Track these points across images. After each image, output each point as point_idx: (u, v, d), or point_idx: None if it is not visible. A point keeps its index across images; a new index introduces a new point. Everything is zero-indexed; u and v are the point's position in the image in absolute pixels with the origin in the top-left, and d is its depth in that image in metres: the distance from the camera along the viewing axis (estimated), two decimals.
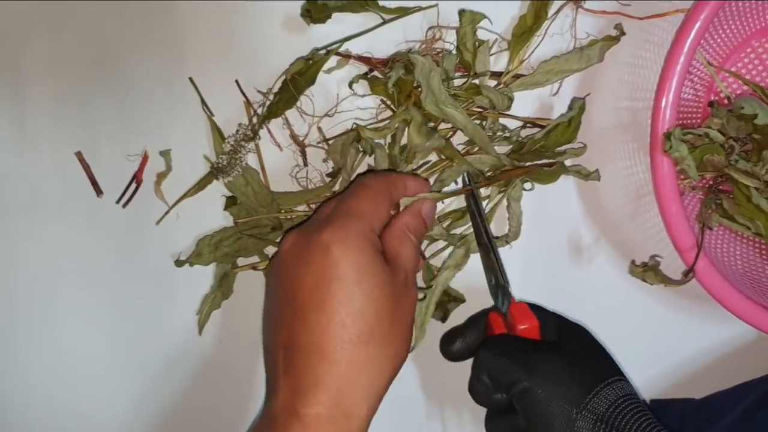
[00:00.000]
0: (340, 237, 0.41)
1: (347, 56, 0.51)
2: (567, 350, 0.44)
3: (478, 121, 0.51)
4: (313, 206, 0.52)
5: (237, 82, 0.52)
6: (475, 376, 0.45)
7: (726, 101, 0.51)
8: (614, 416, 0.40)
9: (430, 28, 0.51)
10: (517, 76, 0.52)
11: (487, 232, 0.49)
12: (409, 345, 0.44)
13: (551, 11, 0.51)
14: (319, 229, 0.42)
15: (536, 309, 0.47)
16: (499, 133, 0.51)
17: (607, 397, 0.41)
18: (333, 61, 0.51)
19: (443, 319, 0.53)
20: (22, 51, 0.51)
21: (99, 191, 0.52)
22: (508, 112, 0.52)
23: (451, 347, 0.49)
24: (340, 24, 0.51)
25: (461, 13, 0.50)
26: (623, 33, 0.51)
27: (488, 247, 0.49)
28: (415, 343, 0.50)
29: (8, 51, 0.51)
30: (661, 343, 0.55)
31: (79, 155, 0.52)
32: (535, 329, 0.45)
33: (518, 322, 0.45)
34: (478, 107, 0.51)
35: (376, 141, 0.51)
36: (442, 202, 0.53)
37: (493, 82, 0.52)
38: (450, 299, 0.53)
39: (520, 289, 0.54)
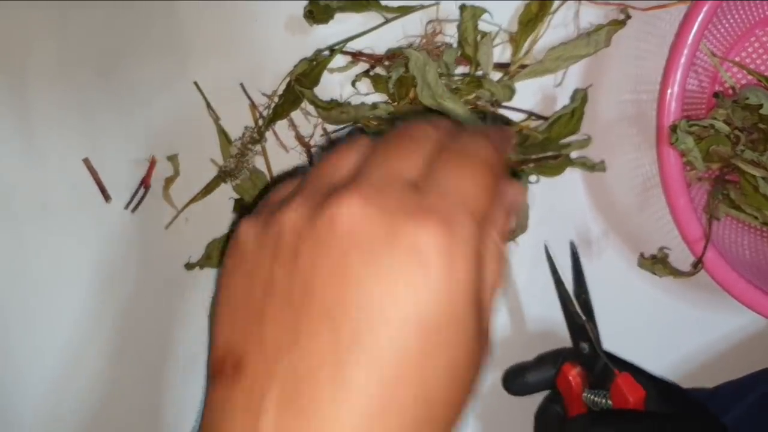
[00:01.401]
0: (451, 250, 0.26)
1: (355, 55, 0.51)
2: (680, 419, 0.44)
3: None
4: None
5: (242, 85, 0.52)
6: None
7: (731, 91, 0.51)
8: None
9: (429, 22, 0.51)
10: (524, 66, 0.52)
11: (585, 300, 0.50)
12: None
13: (556, 2, 0.51)
14: (414, 214, 0.26)
15: (635, 373, 0.47)
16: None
17: None
18: (338, 61, 0.51)
19: None
20: (27, 59, 0.52)
21: (107, 197, 0.53)
22: (510, 104, 0.52)
23: (517, 381, 0.50)
24: (342, 24, 0.51)
25: (462, 8, 0.50)
26: (629, 16, 0.50)
27: (581, 315, 0.50)
28: None
29: (13, 59, 0.52)
30: (671, 334, 0.55)
31: (87, 162, 0.52)
32: (642, 400, 0.46)
33: (629, 395, 0.46)
34: (477, 100, 0.51)
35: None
36: None
37: (498, 74, 0.52)
38: None
39: (529, 284, 0.54)
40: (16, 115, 0.52)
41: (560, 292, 0.50)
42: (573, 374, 0.48)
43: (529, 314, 0.55)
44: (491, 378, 0.55)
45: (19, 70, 0.52)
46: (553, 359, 0.50)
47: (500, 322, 0.55)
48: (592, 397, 0.48)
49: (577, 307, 0.50)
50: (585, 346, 0.49)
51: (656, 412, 0.46)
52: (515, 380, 0.50)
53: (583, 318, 0.50)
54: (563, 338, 0.51)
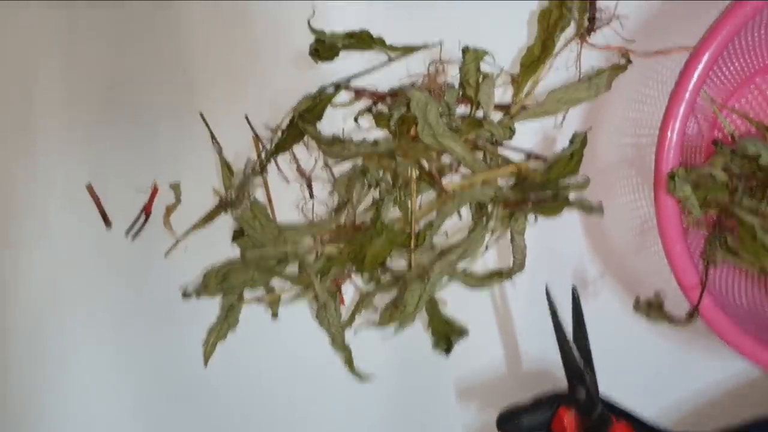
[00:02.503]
0: None
1: (359, 92, 0.52)
2: None
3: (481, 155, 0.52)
4: (319, 238, 0.53)
5: (246, 117, 0.52)
6: None
7: (730, 138, 0.51)
8: None
9: (432, 62, 0.52)
10: (525, 107, 0.52)
11: (585, 346, 0.50)
12: None
13: (558, 46, 0.51)
14: None
15: (632, 421, 0.48)
16: None
17: None
18: (342, 96, 0.52)
19: (447, 352, 0.53)
20: (35, 85, 0.52)
21: (108, 223, 0.53)
22: (510, 144, 0.52)
23: (512, 423, 0.49)
24: (347, 60, 0.52)
25: (464, 50, 0.50)
26: (630, 61, 0.51)
27: (580, 361, 0.50)
28: (402, 325, 0.51)
29: (21, 84, 0.52)
30: (666, 377, 0.55)
31: (90, 187, 0.53)
32: None
33: None
34: (477, 140, 0.51)
35: (380, 175, 0.51)
36: (446, 235, 0.54)
37: (499, 115, 0.52)
38: (454, 331, 0.53)
39: (525, 324, 0.54)
40: (22, 139, 0.53)
41: (559, 336, 0.50)
42: (568, 419, 0.48)
43: (525, 354, 0.55)
44: (486, 417, 0.55)
45: (27, 95, 0.52)
46: (549, 402, 0.50)
47: (496, 360, 0.55)
48: None
49: (576, 352, 0.50)
50: (582, 391, 0.49)
51: None
52: (510, 422, 0.50)
53: (582, 363, 0.50)
54: (560, 380, 0.51)
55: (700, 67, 0.45)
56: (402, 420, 0.56)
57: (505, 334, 0.55)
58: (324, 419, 0.56)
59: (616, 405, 0.49)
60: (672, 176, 0.45)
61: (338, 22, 0.51)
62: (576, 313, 0.50)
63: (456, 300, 0.54)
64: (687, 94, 0.45)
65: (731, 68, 0.51)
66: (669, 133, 0.46)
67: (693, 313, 0.46)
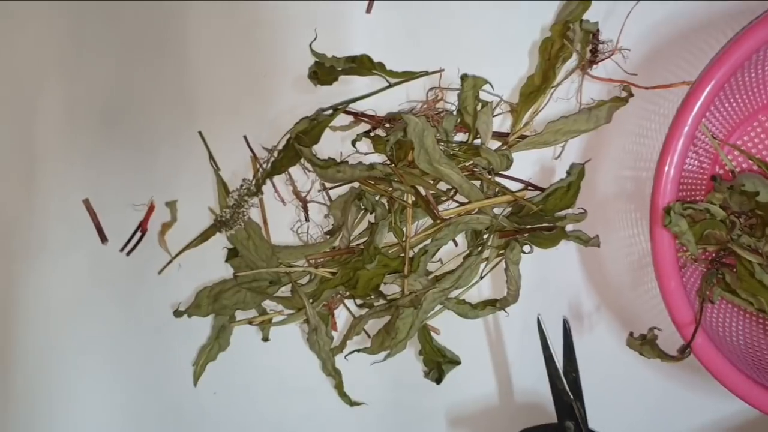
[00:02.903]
0: None
1: (357, 116, 0.52)
2: None
3: (477, 183, 0.51)
4: (312, 261, 0.52)
5: (245, 138, 0.52)
6: None
7: (731, 175, 0.51)
8: None
9: (431, 88, 0.52)
10: (523, 137, 0.52)
11: (575, 378, 0.50)
12: None
13: (559, 77, 0.51)
14: None
15: None
16: None
17: None
18: (340, 119, 0.52)
19: (438, 381, 0.53)
20: (37, 100, 0.53)
21: (104, 238, 0.53)
22: (507, 173, 0.52)
23: None
24: (347, 84, 0.52)
25: (463, 77, 0.50)
26: (631, 94, 0.51)
27: (569, 394, 0.49)
28: (393, 352, 0.51)
29: (24, 100, 0.53)
30: (658, 414, 0.54)
31: (87, 202, 0.53)
32: None
33: None
34: (474, 167, 0.51)
35: (376, 199, 0.51)
36: (440, 262, 0.53)
37: (497, 143, 0.52)
38: (446, 360, 0.53)
39: (518, 354, 0.54)
40: (22, 152, 0.53)
41: (550, 369, 0.50)
42: None
43: (517, 385, 0.54)
44: None
45: (29, 110, 0.53)
46: None
47: (488, 389, 0.54)
48: None
49: (566, 386, 0.49)
50: (570, 425, 0.48)
51: None
52: None
53: (571, 397, 0.49)
54: (550, 413, 0.50)
55: (700, 101, 0.45)
56: None
57: (498, 364, 0.54)
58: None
59: None
60: (668, 210, 0.44)
61: (342, 46, 0.51)
62: (567, 346, 0.50)
63: (448, 328, 0.53)
64: (686, 128, 0.45)
65: (733, 104, 0.50)
66: (666, 167, 0.45)
67: (685, 350, 0.45)
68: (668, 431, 0.54)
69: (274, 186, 0.53)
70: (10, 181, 0.53)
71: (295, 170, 0.53)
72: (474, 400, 0.55)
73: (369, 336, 0.54)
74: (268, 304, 0.53)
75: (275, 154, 0.52)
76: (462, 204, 0.52)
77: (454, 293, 0.52)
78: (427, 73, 0.52)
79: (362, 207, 0.52)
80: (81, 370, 0.54)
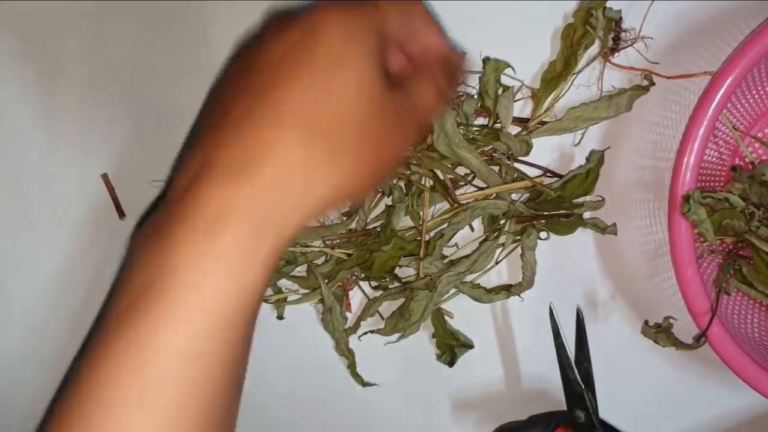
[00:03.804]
0: (336, 16, 0.33)
1: None
2: None
3: (496, 167, 0.51)
4: (328, 242, 0.53)
5: None
6: None
7: (751, 167, 0.51)
8: None
9: None
10: (543, 123, 0.52)
11: (587, 369, 0.49)
12: (374, 182, 0.37)
13: (581, 63, 0.51)
14: (319, 6, 0.34)
15: None
16: None
17: None
18: None
19: (450, 364, 0.53)
20: (60, 72, 0.53)
21: (122, 214, 0.53)
22: (526, 159, 0.52)
23: None
24: None
25: (485, 60, 0.50)
26: (653, 83, 0.50)
27: (580, 383, 0.49)
28: (406, 333, 0.51)
29: (48, 71, 0.53)
30: (672, 406, 0.54)
31: (105, 177, 0.53)
32: None
33: None
34: (494, 152, 0.51)
35: (394, 182, 0.51)
36: (456, 247, 0.53)
37: (516, 129, 0.52)
38: (458, 344, 0.53)
39: (532, 343, 0.54)
40: (43, 125, 0.53)
41: (561, 358, 0.50)
42: None
43: (526, 372, 0.54)
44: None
45: (52, 82, 0.53)
46: (546, 422, 0.49)
47: (497, 375, 0.54)
48: None
49: (577, 375, 0.49)
50: (581, 414, 0.48)
51: None
52: None
53: (582, 386, 0.49)
54: (559, 401, 0.50)
55: (722, 90, 0.45)
56: (397, 426, 0.55)
57: (507, 349, 0.54)
58: (322, 420, 0.55)
59: (615, 429, 0.48)
60: (687, 198, 0.44)
61: None
62: (579, 335, 0.50)
63: (460, 311, 0.53)
64: (707, 117, 0.45)
65: (755, 95, 0.50)
66: (686, 155, 0.45)
67: (700, 338, 0.45)
68: (681, 421, 0.54)
69: None
70: (29, 152, 0.53)
71: None
72: (482, 384, 0.55)
73: (383, 318, 0.54)
74: (283, 283, 0.53)
75: None
76: (480, 189, 0.52)
77: (469, 277, 0.52)
78: None
79: (379, 190, 0.52)
80: None
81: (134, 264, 0.32)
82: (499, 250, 0.52)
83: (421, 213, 0.52)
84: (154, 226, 0.32)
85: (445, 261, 0.53)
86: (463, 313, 0.53)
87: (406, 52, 0.38)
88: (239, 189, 0.31)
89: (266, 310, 0.54)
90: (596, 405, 0.49)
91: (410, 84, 0.37)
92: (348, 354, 0.53)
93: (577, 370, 0.49)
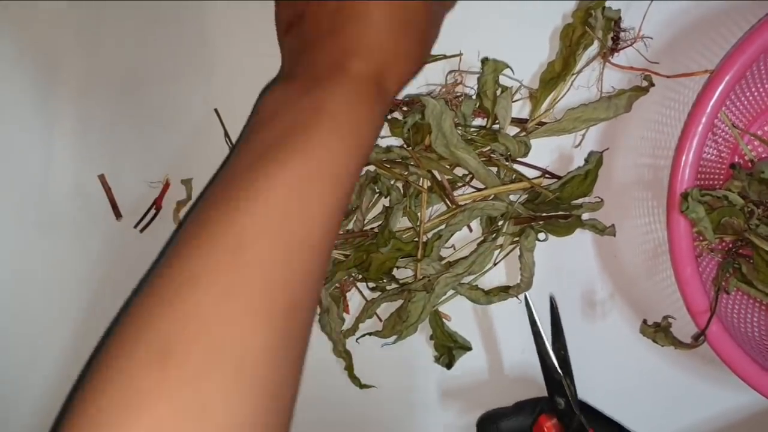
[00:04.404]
0: None
1: None
2: None
3: (494, 168, 0.51)
4: None
5: None
6: None
7: (750, 164, 0.50)
8: None
9: (450, 71, 0.51)
10: (542, 124, 0.52)
11: (565, 357, 0.49)
12: (431, 45, 0.45)
13: (580, 64, 0.51)
14: None
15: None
16: None
17: None
18: None
19: (449, 366, 0.52)
20: (56, 74, 0.53)
21: (118, 215, 0.53)
22: (525, 160, 0.52)
23: (492, 428, 0.49)
24: None
25: (484, 61, 0.50)
26: (652, 84, 0.50)
27: (558, 370, 0.49)
28: (404, 335, 0.51)
29: (45, 69, 0.53)
30: (671, 405, 0.54)
31: (102, 178, 0.53)
32: None
33: None
34: (492, 153, 0.51)
35: (392, 183, 0.51)
36: (453, 248, 0.53)
37: (515, 129, 0.52)
38: (456, 346, 0.53)
39: (530, 342, 0.53)
40: (41, 124, 0.53)
41: (538, 346, 0.49)
42: (548, 426, 0.47)
43: (509, 361, 0.54)
44: (467, 420, 0.54)
45: (49, 80, 0.53)
46: (531, 408, 0.49)
47: (481, 364, 0.54)
48: None
49: (555, 362, 0.49)
50: (561, 401, 0.48)
51: None
52: (490, 425, 0.49)
53: (561, 373, 0.48)
54: (543, 387, 0.50)
55: (720, 88, 0.45)
56: (382, 415, 0.55)
57: (488, 339, 0.54)
58: (321, 421, 0.55)
59: (598, 411, 0.48)
60: (685, 196, 0.44)
61: None
62: (554, 324, 0.50)
63: (455, 312, 0.53)
64: (706, 114, 0.45)
65: (754, 93, 0.50)
66: (685, 153, 0.45)
67: (699, 338, 0.45)
68: (680, 420, 0.54)
69: None
70: (26, 152, 0.53)
71: None
72: (467, 373, 0.55)
73: (381, 320, 0.53)
74: None
75: None
76: (478, 190, 0.52)
77: (467, 279, 0.52)
78: (445, 57, 0.51)
79: (377, 190, 0.52)
80: (91, 345, 0.54)
81: (282, 108, 0.39)
82: (497, 252, 0.52)
83: (418, 214, 0.52)
84: (298, 87, 0.40)
85: (443, 262, 0.52)
86: (457, 312, 0.53)
87: None
88: (372, 63, 0.40)
89: None
90: (575, 391, 0.48)
91: None
92: (345, 355, 0.53)
93: (555, 358, 0.49)
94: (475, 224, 0.53)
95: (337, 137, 0.37)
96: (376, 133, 0.40)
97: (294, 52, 0.43)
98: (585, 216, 0.52)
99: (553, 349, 0.49)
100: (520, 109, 0.52)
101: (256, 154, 0.36)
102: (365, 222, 0.53)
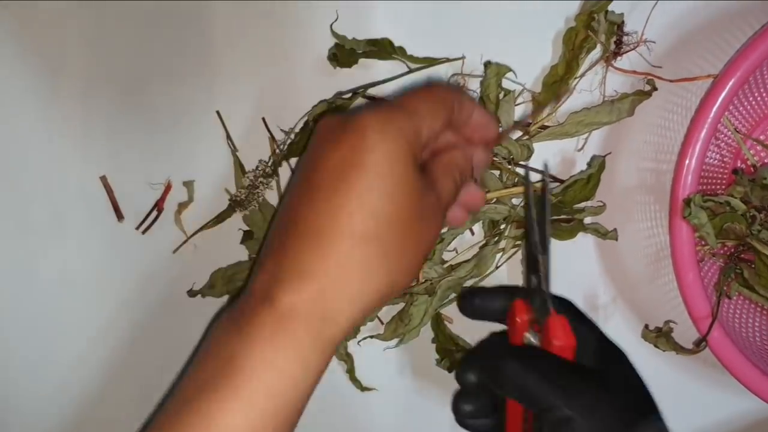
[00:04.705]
0: (380, 125, 0.37)
1: (377, 101, 0.51)
2: (608, 381, 0.40)
3: (496, 172, 0.51)
4: None
5: (264, 119, 0.52)
6: (496, 388, 0.40)
7: (752, 169, 0.50)
8: None
9: (453, 75, 0.51)
10: (544, 128, 0.52)
11: (544, 230, 0.45)
12: (415, 274, 0.40)
13: (583, 68, 0.51)
14: (361, 113, 0.38)
15: (577, 322, 0.42)
16: None
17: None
18: (359, 104, 0.52)
19: (450, 369, 0.53)
20: (58, 76, 0.53)
21: (120, 216, 0.53)
22: (527, 164, 0.52)
23: (469, 302, 0.47)
24: (368, 69, 0.52)
25: (487, 64, 0.50)
26: (655, 88, 0.50)
27: (538, 246, 0.45)
28: (406, 338, 0.51)
29: (45, 75, 0.53)
30: (672, 410, 0.53)
31: (104, 179, 0.53)
32: (571, 350, 0.41)
33: (554, 338, 0.41)
34: (494, 156, 0.51)
35: None
36: (456, 251, 0.53)
37: (518, 133, 0.52)
38: (458, 349, 0.53)
39: None
40: (43, 127, 0.53)
41: (527, 220, 0.47)
42: (521, 312, 0.43)
43: None
44: None
45: (53, 81, 0.53)
46: (509, 292, 0.46)
47: None
48: (530, 337, 0.43)
49: (537, 237, 0.45)
50: (534, 279, 0.44)
51: (583, 365, 0.40)
52: (467, 300, 0.46)
53: (540, 249, 0.45)
54: None
55: (723, 94, 0.45)
56: (384, 418, 0.55)
57: None
58: (321, 422, 0.55)
59: (570, 303, 0.45)
60: (688, 202, 0.44)
61: (364, 28, 0.51)
62: (543, 200, 0.46)
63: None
64: (708, 120, 0.45)
65: (758, 98, 0.50)
66: (688, 158, 0.45)
67: (701, 342, 0.45)
68: (681, 425, 0.53)
69: (291, 169, 0.53)
70: (28, 154, 0.53)
71: None
72: None
73: (382, 323, 0.53)
74: None
75: (292, 136, 0.51)
76: None
77: (469, 282, 0.52)
78: (448, 60, 0.51)
79: None
80: (93, 343, 0.54)
81: (210, 348, 0.37)
82: (499, 255, 0.52)
83: None
84: (231, 319, 0.37)
85: (445, 265, 0.52)
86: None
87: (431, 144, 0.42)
88: (304, 294, 0.36)
89: None
90: (549, 270, 0.44)
91: (434, 177, 0.41)
92: (347, 358, 0.53)
93: (538, 234, 0.45)
94: (477, 227, 0.53)
95: (248, 404, 0.34)
96: (310, 382, 0.36)
97: (255, 265, 0.41)
98: (587, 220, 0.52)
99: (539, 225, 0.45)
100: (522, 112, 0.52)
101: (187, 396, 0.36)
102: None
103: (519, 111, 0.52)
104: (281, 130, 0.52)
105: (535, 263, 0.44)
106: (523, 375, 0.38)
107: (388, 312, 0.53)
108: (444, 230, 0.52)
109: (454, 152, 0.42)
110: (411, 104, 0.39)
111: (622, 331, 0.53)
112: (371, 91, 0.51)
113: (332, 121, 0.39)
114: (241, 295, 0.38)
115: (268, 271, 0.37)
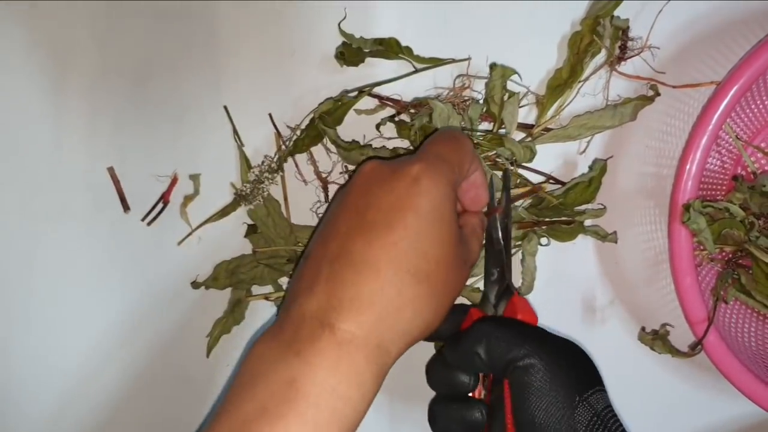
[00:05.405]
0: (431, 174, 0.40)
1: (383, 99, 0.52)
2: (571, 347, 0.42)
3: (499, 173, 0.52)
4: None
5: (270, 115, 0.53)
6: (465, 350, 0.42)
7: (752, 176, 0.51)
8: (607, 418, 0.38)
9: (458, 76, 0.52)
10: (548, 130, 0.52)
11: (506, 225, 0.48)
12: (444, 317, 0.42)
13: (587, 71, 0.51)
14: (411, 161, 0.41)
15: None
16: None
17: (603, 398, 0.39)
18: (366, 103, 0.52)
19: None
20: (66, 68, 0.53)
21: (126, 207, 0.54)
22: (529, 165, 0.52)
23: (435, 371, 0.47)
24: (375, 68, 0.52)
25: (492, 66, 0.50)
26: (658, 93, 0.51)
27: (499, 241, 0.48)
28: None
29: (56, 62, 0.53)
30: (667, 412, 0.54)
31: (111, 171, 0.54)
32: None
33: (519, 312, 0.44)
34: (497, 157, 0.51)
35: None
36: None
37: (521, 135, 0.52)
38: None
39: None
40: (51, 119, 0.54)
41: (490, 216, 0.49)
42: (476, 312, 0.46)
43: None
44: None
45: (61, 73, 0.53)
46: (462, 309, 0.47)
47: None
48: None
49: (500, 232, 0.48)
50: (494, 272, 0.47)
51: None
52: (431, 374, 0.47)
53: (502, 243, 0.48)
54: None
55: (726, 100, 0.45)
56: (384, 416, 0.56)
57: None
58: None
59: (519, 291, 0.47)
60: (687, 207, 0.45)
61: (370, 29, 0.52)
62: (506, 193, 0.49)
63: None
64: (710, 126, 0.45)
65: (759, 106, 0.50)
66: (688, 164, 0.45)
67: (696, 346, 0.45)
68: (676, 428, 0.54)
69: (296, 165, 0.53)
70: (37, 144, 0.54)
71: (317, 151, 0.53)
72: None
73: None
74: (284, 280, 0.54)
75: (298, 132, 0.52)
76: None
77: (469, 281, 0.53)
78: (453, 61, 0.52)
79: None
80: (97, 332, 0.55)
81: (263, 369, 0.37)
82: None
83: None
84: (282, 341, 0.38)
85: None
86: None
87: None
88: (363, 323, 0.37)
89: (267, 308, 0.54)
90: (510, 261, 0.48)
91: (465, 233, 0.44)
92: None
93: (501, 229, 0.48)
94: None
95: (313, 429, 0.35)
96: (365, 406, 0.38)
97: (290, 294, 0.41)
98: (587, 222, 0.52)
99: (501, 220, 0.48)
100: (527, 114, 0.53)
101: (248, 417, 0.36)
102: None
103: (523, 113, 0.52)
104: (287, 126, 0.53)
105: (498, 255, 0.47)
106: (495, 330, 0.41)
107: None
108: None
109: (480, 215, 0.47)
110: (446, 155, 0.42)
111: (619, 333, 0.54)
112: (377, 90, 0.52)
113: (383, 168, 0.42)
114: (283, 315, 0.40)
115: (321, 297, 0.39)
